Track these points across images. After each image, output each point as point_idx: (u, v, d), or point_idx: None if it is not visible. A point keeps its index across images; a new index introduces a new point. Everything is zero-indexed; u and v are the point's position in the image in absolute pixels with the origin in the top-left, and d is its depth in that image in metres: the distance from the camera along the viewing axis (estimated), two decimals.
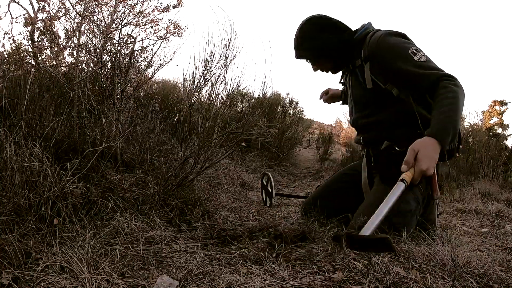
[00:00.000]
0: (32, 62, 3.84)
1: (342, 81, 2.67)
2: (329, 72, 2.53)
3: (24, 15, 4.25)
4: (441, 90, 1.95)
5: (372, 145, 2.39)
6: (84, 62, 3.46)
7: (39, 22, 4.15)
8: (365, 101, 2.37)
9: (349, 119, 2.65)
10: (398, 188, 1.65)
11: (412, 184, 1.98)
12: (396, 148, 2.22)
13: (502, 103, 10.39)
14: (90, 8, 3.40)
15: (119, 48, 3.04)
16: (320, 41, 2.33)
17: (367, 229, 1.45)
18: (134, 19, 4.09)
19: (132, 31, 4.05)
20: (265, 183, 3.23)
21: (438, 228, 2.39)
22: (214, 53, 3.24)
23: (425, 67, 2.03)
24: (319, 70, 2.51)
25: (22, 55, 4.04)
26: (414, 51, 2.07)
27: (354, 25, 2.41)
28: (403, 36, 2.20)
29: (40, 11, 4.14)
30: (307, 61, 2.49)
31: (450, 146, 2.14)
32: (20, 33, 4.25)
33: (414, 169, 1.77)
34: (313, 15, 2.38)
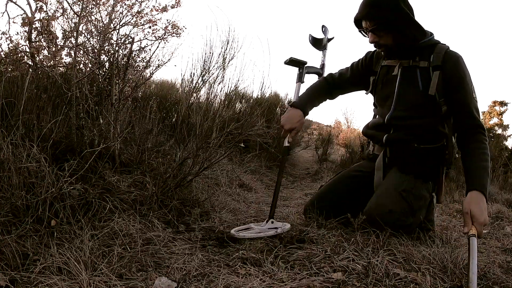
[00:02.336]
0: (30, 63, 3.83)
1: (376, 70, 2.52)
2: (381, 48, 2.36)
3: (21, 15, 4.25)
4: (480, 143, 2.11)
5: (394, 145, 2.39)
6: (82, 62, 3.46)
7: (36, 22, 4.14)
8: (417, 103, 2.30)
9: (379, 112, 2.49)
10: (473, 242, 1.71)
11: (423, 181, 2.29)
12: (415, 144, 2.31)
13: (502, 103, 10.42)
14: (88, 8, 3.40)
15: (117, 48, 3.03)
16: (404, 13, 2.18)
17: (473, 285, 1.52)
18: (132, 19, 4.09)
19: (130, 31, 4.06)
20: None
21: (437, 229, 2.39)
22: (212, 54, 3.24)
23: (477, 108, 2.22)
24: (372, 44, 2.34)
25: (19, 55, 4.03)
26: (473, 88, 2.22)
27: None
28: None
29: (37, 11, 4.14)
30: (367, 28, 2.28)
31: None
32: (18, 33, 4.26)
33: (475, 226, 1.83)
34: None
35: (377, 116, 2.53)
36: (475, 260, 1.59)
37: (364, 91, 2.64)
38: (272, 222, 2.24)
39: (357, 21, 2.32)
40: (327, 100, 2.73)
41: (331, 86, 2.69)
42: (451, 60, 2.19)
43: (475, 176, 2.01)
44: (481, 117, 2.40)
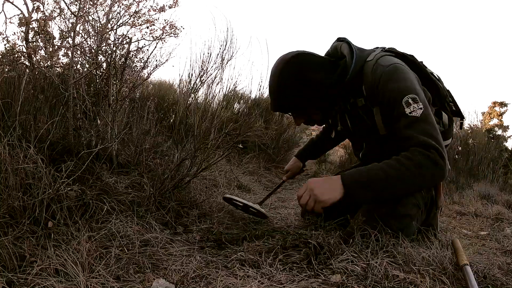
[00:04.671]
0: (27, 63, 3.82)
1: (330, 121, 2.44)
2: (313, 124, 2.28)
3: (18, 15, 4.24)
4: (405, 153, 1.79)
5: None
6: (79, 63, 3.44)
7: (33, 22, 4.13)
8: (379, 143, 2.14)
9: (352, 150, 2.56)
10: (468, 271, 1.59)
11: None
12: None
13: (502, 104, 10.39)
14: (85, 8, 3.39)
15: (114, 48, 3.02)
16: (308, 87, 1.99)
17: None
18: (130, 19, 4.08)
19: (128, 32, 4.05)
20: (240, 204, 2.64)
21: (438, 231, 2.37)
22: (210, 54, 3.24)
23: (413, 126, 1.82)
24: (303, 124, 2.24)
25: (16, 55, 4.02)
26: (409, 100, 1.84)
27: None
28: (402, 70, 1.94)
29: (34, 11, 4.13)
30: (288, 113, 2.17)
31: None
32: (14, 33, 4.25)
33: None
34: (291, 53, 2.03)
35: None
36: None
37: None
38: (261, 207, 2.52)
39: None
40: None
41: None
42: (375, 84, 1.93)
43: (355, 167, 1.95)
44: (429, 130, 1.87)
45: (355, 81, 2.00)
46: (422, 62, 2.23)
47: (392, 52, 2.17)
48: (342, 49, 2.10)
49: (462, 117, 2.34)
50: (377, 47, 2.21)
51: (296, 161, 3.02)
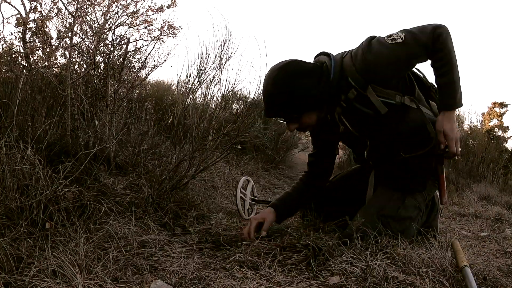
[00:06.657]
0: (24, 63, 3.80)
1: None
2: (306, 130, 2.26)
3: (15, 15, 4.21)
4: (436, 60, 1.91)
5: (383, 163, 2.25)
6: (77, 63, 3.43)
7: (31, 22, 4.12)
8: (380, 129, 2.10)
9: (355, 155, 2.48)
10: (468, 273, 1.61)
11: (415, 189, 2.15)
12: (402, 154, 2.08)
13: (502, 105, 10.33)
14: (82, 8, 3.38)
15: (112, 49, 3.01)
16: (302, 90, 1.99)
17: None
18: (128, 19, 4.06)
19: (126, 32, 4.02)
20: (244, 190, 2.79)
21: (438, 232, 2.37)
22: (208, 54, 3.23)
23: (408, 42, 1.89)
24: (295, 130, 2.23)
25: (13, 56, 4.01)
26: (388, 39, 1.92)
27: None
28: (378, 38, 1.99)
29: (32, 11, 4.11)
30: (282, 120, 2.16)
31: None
32: (12, 33, 4.22)
33: (448, 143, 1.93)
34: (283, 61, 2.07)
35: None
36: None
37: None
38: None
39: None
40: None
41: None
42: (361, 64, 1.96)
43: (440, 97, 1.97)
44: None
45: (340, 77, 2.02)
46: None
47: None
48: (322, 59, 2.13)
49: None
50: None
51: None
